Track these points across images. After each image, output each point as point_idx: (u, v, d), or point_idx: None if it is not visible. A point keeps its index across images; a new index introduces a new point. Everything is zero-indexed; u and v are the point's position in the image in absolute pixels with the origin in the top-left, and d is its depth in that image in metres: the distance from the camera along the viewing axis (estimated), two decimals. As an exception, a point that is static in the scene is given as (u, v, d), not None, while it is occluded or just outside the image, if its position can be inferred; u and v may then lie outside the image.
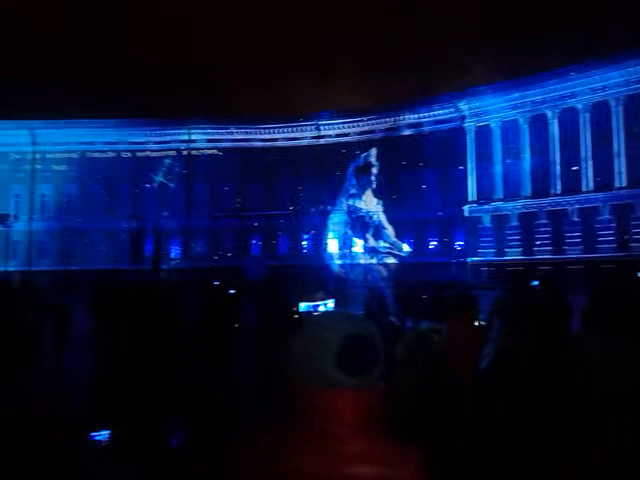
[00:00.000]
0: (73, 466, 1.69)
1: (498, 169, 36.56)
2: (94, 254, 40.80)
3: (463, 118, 38.35)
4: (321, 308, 3.14)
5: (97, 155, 43.18)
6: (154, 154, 43.26)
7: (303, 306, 3.15)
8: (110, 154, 43.16)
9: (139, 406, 3.60)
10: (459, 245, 38.00)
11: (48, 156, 42.87)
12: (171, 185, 42.07)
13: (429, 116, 39.63)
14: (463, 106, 38.14)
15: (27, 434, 1.54)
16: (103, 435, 2.08)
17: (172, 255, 41.62)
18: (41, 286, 13.57)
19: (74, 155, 42.96)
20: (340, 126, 42.42)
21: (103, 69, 61.56)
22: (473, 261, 36.20)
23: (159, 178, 42.13)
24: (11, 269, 34.80)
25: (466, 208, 37.60)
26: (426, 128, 39.70)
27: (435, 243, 39.11)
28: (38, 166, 42.80)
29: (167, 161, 42.63)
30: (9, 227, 38.26)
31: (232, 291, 10.85)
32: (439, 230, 38.63)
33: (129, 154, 43.25)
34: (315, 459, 1.09)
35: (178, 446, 2.88)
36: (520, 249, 35.10)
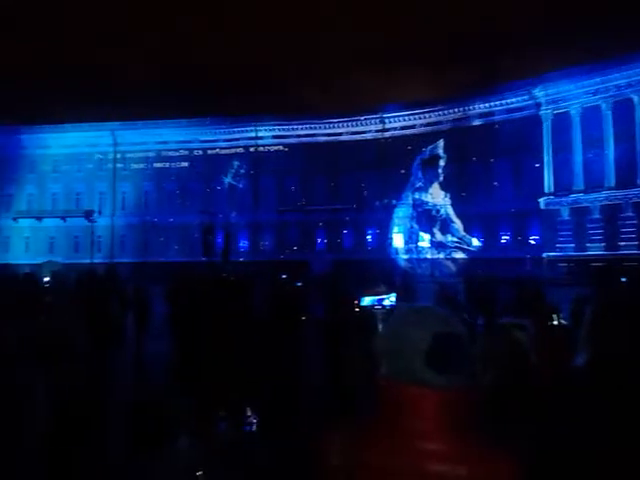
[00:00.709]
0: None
1: (578, 159, 34.30)
2: (168, 247, 43.07)
3: (538, 105, 36.28)
4: (386, 302, 3.07)
5: (171, 154, 45.42)
6: (223, 151, 44.84)
7: (367, 300, 3.08)
8: (183, 152, 45.26)
9: (214, 392, 3.72)
10: (534, 239, 36.15)
11: (127, 156, 45.70)
12: (239, 186, 43.51)
13: (501, 104, 37.91)
14: (538, 93, 36.06)
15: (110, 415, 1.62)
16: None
17: (241, 249, 42.98)
18: (123, 277, 14.48)
19: (150, 154, 45.49)
20: (405, 118, 41.66)
21: (176, 71, 64.56)
22: (549, 256, 34.30)
23: (228, 179, 43.70)
24: (96, 261, 37.48)
25: (542, 201, 35.65)
26: (497, 117, 38.03)
27: (507, 237, 37.46)
28: (119, 165, 45.73)
29: (235, 163, 44.03)
30: (94, 222, 41.23)
31: (299, 283, 10.99)
32: (512, 224, 36.93)
33: (200, 152, 45.11)
34: (398, 454, 1.08)
35: (251, 433, 2.93)
36: (602, 244, 32.77)
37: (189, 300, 6.29)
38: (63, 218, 44.63)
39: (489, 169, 37.66)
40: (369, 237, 42.36)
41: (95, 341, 4.78)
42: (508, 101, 37.59)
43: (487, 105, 38.42)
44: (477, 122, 39.00)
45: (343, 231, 42.42)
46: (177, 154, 45.38)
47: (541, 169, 35.92)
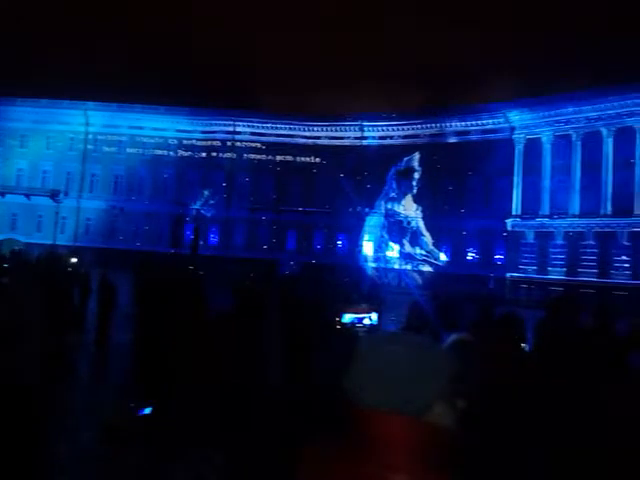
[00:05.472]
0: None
1: (546, 184, 35.42)
2: (136, 235, 42.11)
3: (512, 129, 37.36)
4: (366, 321, 3.04)
5: (145, 140, 44.44)
6: (199, 143, 44.25)
7: (348, 317, 3.03)
8: (158, 140, 44.36)
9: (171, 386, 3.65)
10: (498, 259, 37.08)
11: (100, 137, 44.45)
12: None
13: (477, 125, 38.84)
14: (514, 117, 37.14)
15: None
16: (147, 410, 2.12)
17: (210, 243, 42.44)
18: (86, 262, 14.06)
19: (124, 138, 44.40)
20: (384, 128, 42.15)
21: (158, 57, 63.48)
22: (512, 277, 35.25)
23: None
24: (59, 243, 36.30)
25: (509, 222, 36.64)
26: (473, 137, 38.91)
27: (473, 255, 38.31)
28: (90, 147, 44.43)
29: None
30: (59, 202, 39.95)
31: (263, 283, 10.85)
32: (479, 242, 37.80)
33: (175, 141, 44.37)
34: None
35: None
36: (564, 269, 33.91)
37: (156, 297, 6.16)
38: (27, 196, 43.02)
39: (461, 186, 38.44)
40: (339, 242, 42.57)
41: (54, 326, 4.62)
42: (484, 122, 38.54)
43: (464, 124, 39.27)
44: (453, 139, 39.80)
45: (315, 234, 42.49)
46: (152, 141, 44.46)
47: (510, 191, 36.92)
